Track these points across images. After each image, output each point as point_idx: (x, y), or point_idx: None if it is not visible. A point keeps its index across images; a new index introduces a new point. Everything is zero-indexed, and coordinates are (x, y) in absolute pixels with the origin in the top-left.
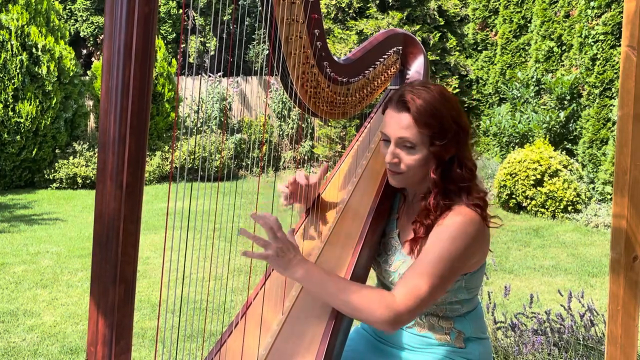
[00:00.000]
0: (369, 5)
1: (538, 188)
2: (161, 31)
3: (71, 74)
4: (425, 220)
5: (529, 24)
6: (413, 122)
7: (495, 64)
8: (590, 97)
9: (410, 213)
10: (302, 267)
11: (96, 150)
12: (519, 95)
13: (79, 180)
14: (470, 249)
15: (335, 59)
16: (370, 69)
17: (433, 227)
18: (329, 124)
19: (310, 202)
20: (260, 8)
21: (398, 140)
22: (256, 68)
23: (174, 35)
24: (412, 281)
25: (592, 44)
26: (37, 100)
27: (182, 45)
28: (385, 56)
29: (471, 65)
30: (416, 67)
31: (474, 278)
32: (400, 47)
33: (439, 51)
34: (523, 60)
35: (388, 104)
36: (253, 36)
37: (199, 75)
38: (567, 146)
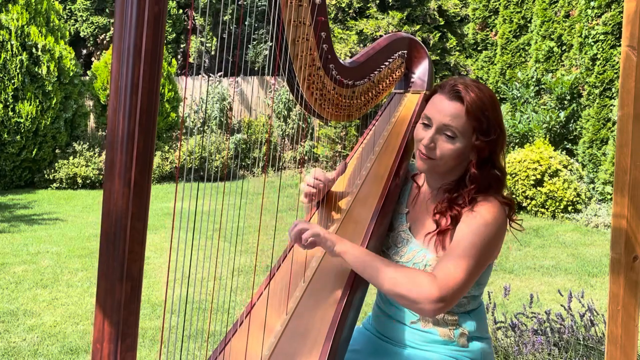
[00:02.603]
0: (369, 5)
1: (538, 188)
2: None
3: (71, 74)
4: (450, 211)
5: (529, 24)
6: (464, 113)
7: (495, 64)
8: (590, 97)
9: (427, 206)
10: (344, 245)
11: (96, 150)
12: (519, 95)
13: (79, 180)
14: (499, 236)
15: (341, 61)
16: (376, 72)
17: (459, 217)
18: (329, 124)
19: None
20: (265, 8)
21: (441, 127)
22: (256, 68)
23: (174, 35)
24: (450, 266)
25: (592, 44)
26: (37, 100)
27: (182, 46)
28: (390, 60)
29: (471, 65)
30: (421, 71)
31: (484, 273)
32: (405, 51)
33: (439, 51)
34: (523, 60)
35: (439, 90)
36: (253, 36)
37: (200, 76)
38: (567, 146)
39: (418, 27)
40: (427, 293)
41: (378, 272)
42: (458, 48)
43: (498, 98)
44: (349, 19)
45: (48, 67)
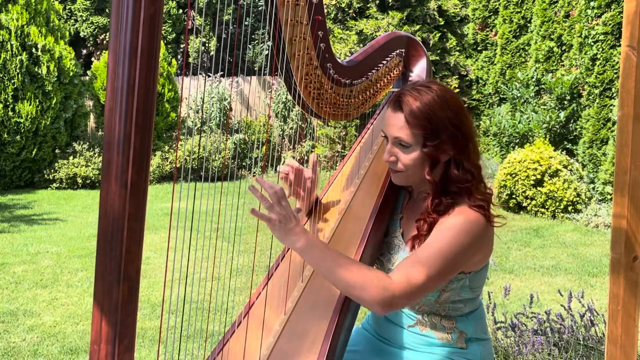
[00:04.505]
0: (368, 5)
1: (538, 188)
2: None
3: (71, 74)
4: (428, 218)
5: (529, 24)
6: (405, 123)
7: (495, 64)
8: (590, 97)
9: (414, 212)
10: (303, 237)
11: (96, 150)
12: (519, 95)
13: (79, 180)
14: (471, 248)
15: (339, 60)
16: (373, 71)
17: (435, 223)
18: (329, 124)
19: (312, 197)
20: (263, 8)
21: (394, 140)
22: (256, 68)
23: (174, 35)
24: (410, 268)
25: (592, 44)
26: (37, 100)
27: (182, 46)
28: (388, 58)
29: (471, 65)
30: (418, 70)
31: (477, 277)
32: (403, 50)
33: (439, 51)
34: (523, 60)
35: (388, 102)
36: (253, 36)
37: (200, 75)
38: (567, 146)
39: (418, 27)
40: (377, 296)
41: (333, 271)
42: (458, 48)
43: (498, 98)
44: (348, 19)
45: (48, 67)
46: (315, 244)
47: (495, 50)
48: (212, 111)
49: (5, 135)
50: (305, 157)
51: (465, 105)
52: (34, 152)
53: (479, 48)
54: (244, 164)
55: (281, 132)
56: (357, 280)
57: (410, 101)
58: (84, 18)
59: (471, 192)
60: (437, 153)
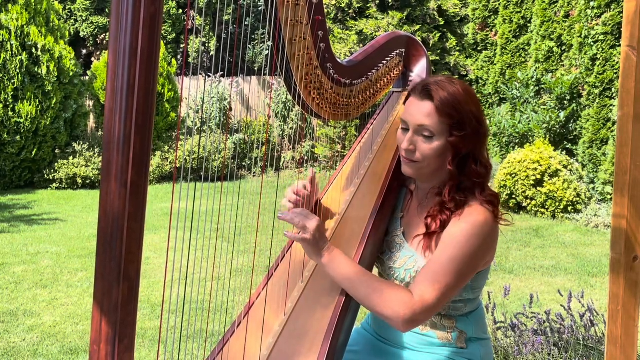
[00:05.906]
0: (368, 5)
1: (538, 188)
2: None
3: (71, 74)
4: (441, 215)
5: (528, 24)
6: (435, 111)
7: (495, 64)
8: (590, 97)
9: (419, 210)
10: (329, 254)
11: (96, 150)
12: (519, 95)
13: (79, 181)
14: (483, 249)
15: (339, 60)
16: (373, 71)
17: (448, 222)
18: (329, 124)
19: (311, 207)
20: (263, 8)
21: (417, 128)
22: (256, 68)
23: (174, 35)
24: (428, 280)
25: (592, 44)
26: (37, 100)
27: (182, 46)
28: (388, 58)
29: (471, 65)
30: (419, 70)
31: (479, 277)
32: (403, 50)
33: (439, 51)
34: (523, 60)
35: (411, 93)
36: (253, 36)
37: (200, 75)
38: (567, 146)
39: (418, 27)
40: (400, 313)
41: (357, 290)
42: (458, 48)
43: (498, 98)
44: (348, 19)
45: (48, 67)
46: (342, 261)
47: (495, 50)
48: (212, 111)
49: (5, 135)
50: (305, 157)
51: None
52: (33, 152)
53: (479, 48)
54: (244, 164)
55: (281, 132)
56: (380, 299)
57: (439, 91)
58: (84, 18)
59: (484, 187)
60: (461, 144)
